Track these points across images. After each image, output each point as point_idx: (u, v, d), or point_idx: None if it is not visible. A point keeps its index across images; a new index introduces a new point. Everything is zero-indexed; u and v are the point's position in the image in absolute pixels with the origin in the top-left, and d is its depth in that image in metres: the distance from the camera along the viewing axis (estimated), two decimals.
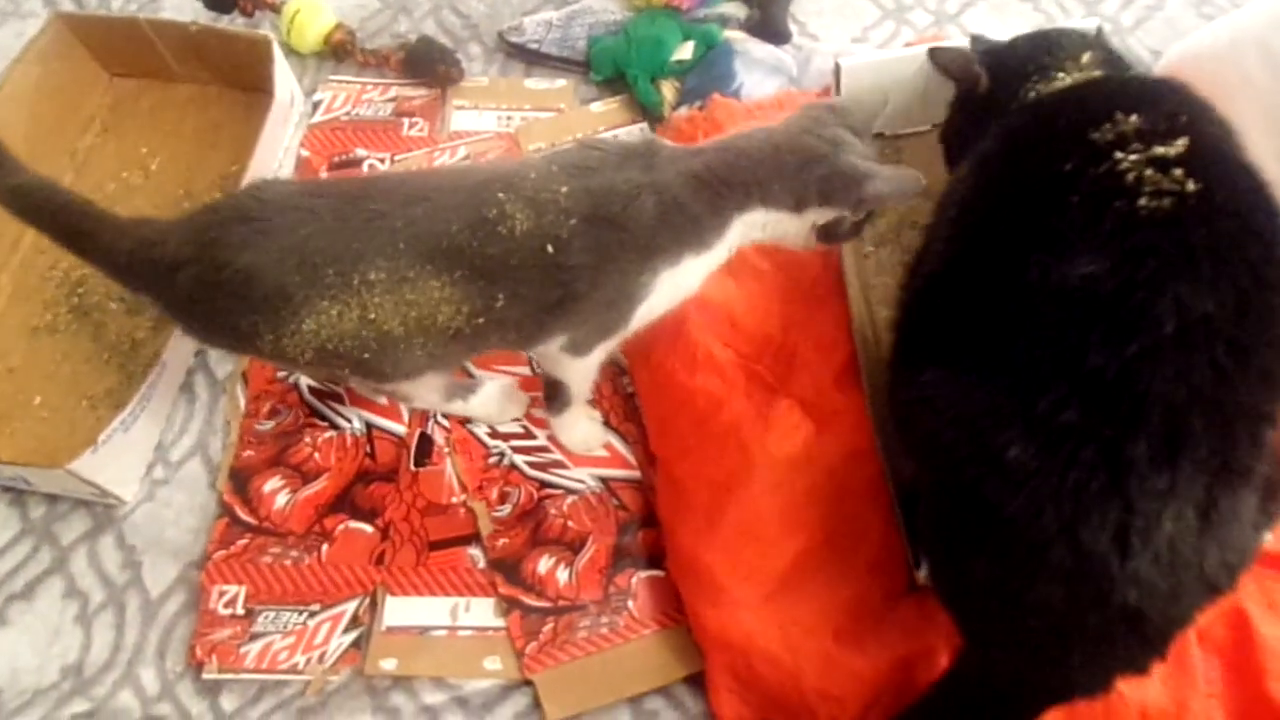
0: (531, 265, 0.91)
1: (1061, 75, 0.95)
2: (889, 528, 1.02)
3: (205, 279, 0.88)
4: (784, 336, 1.15)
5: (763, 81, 1.31)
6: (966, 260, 0.82)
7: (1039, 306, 0.74)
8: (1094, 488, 0.68)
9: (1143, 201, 0.72)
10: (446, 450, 1.19)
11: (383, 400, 1.21)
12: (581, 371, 1.08)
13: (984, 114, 0.98)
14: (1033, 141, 0.84)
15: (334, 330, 0.88)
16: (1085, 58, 0.97)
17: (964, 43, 1.33)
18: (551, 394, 1.13)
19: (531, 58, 1.47)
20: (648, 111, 1.40)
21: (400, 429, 1.20)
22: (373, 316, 0.88)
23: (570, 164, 0.94)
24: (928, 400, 0.76)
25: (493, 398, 1.18)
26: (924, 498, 0.85)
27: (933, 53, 1.10)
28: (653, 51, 1.36)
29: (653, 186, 0.93)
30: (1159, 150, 0.74)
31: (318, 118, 1.43)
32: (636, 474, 1.17)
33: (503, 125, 1.42)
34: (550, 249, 0.90)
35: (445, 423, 1.20)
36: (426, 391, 1.12)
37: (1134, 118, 0.78)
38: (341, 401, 1.22)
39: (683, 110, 1.30)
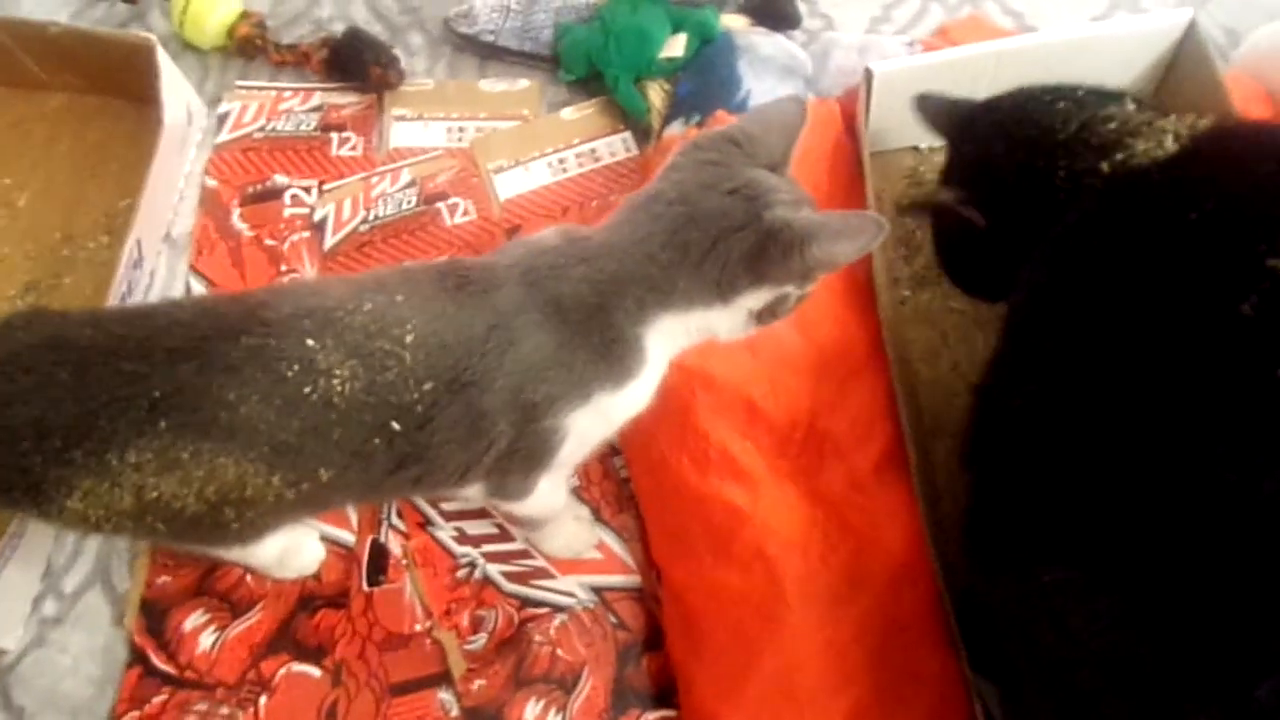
0: (368, 439, 0.69)
1: (1139, 144, 0.72)
2: (947, 662, 0.84)
3: None
4: (813, 420, 0.95)
5: (775, 87, 1.07)
6: (1093, 422, 0.61)
7: (1242, 525, 0.53)
8: None
9: None
10: (405, 562, 0.98)
11: None
12: (533, 509, 0.87)
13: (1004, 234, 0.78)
14: (1169, 265, 0.61)
15: (108, 511, 0.68)
16: (1131, 108, 0.76)
17: (1005, 22, 1.11)
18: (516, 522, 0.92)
19: (486, 52, 1.21)
20: (631, 119, 1.15)
21: (348, 537, 0.99)
22: (154, 495, 0.68)
23: (421, 296, 0.71)
24: (1057, 616, 0.57)
25: (279, 546, 0.91)
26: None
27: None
28: (636, 46, 1.11)
29: (529, 323, 0.72)
30: None
31: (225, 135, 1.17)
32: (636, 580, 0.97)
33: (454, 139, 1.17)
34: (396, 425, 0.69)
35: (402, 525, 0.99)
36: None
37: None
38: None
39: (676, 127, 1.06)
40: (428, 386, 0.70)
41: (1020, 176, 0.81)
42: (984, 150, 0.84)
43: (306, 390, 0.67)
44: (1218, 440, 0.53)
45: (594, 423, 0.78)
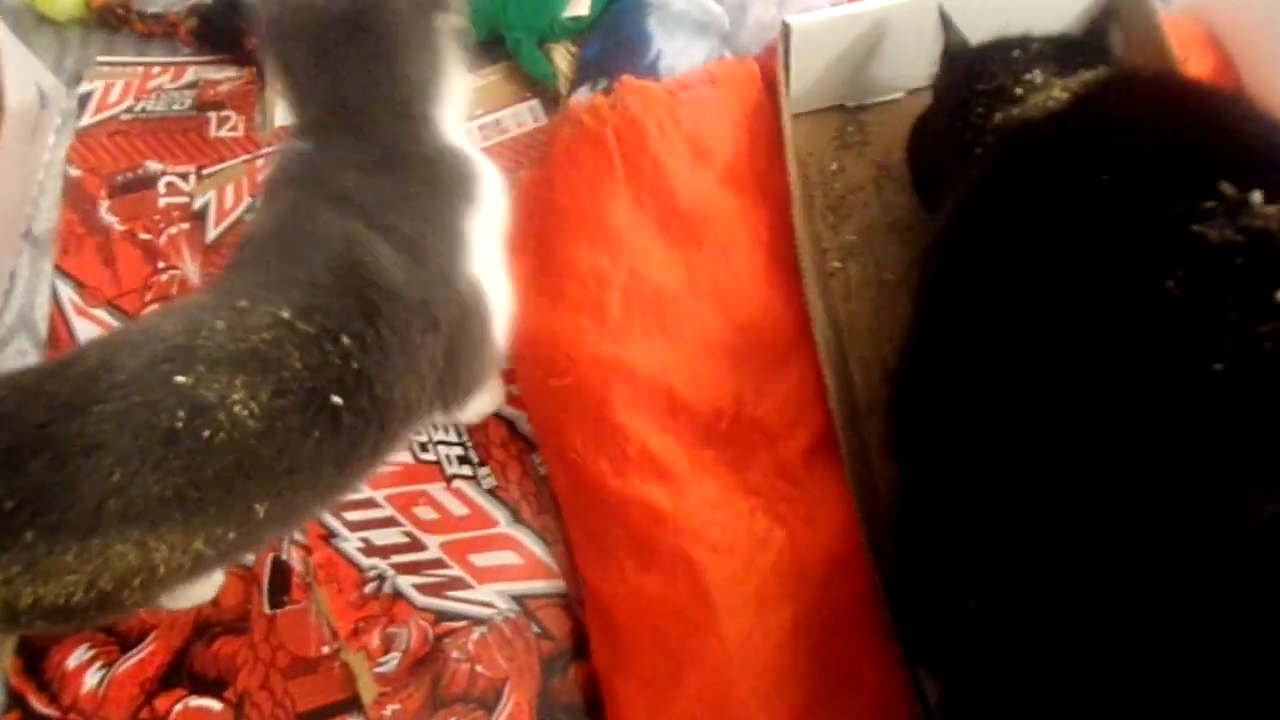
0: (305, 438, 0.63)
1: (1034, 96, 0.72)
2: (886, 658, 0.80)
3: None
4: (739, 407, 0.88)
5: (688, 47, 0.98)
6: (1014, 419, 0.55)
7: (1190, 545, 0.47)
8: None
9: None
10: (309, 580, 0.91)
11: None
12: (488, 403, 0.92)
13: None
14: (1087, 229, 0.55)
15: None
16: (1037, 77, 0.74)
17: None
18: None
19: None
20: (538, 86, 1.06)
21: (247, 557, 0.91)
22: (30, 602, 0.57)
23: (258, 282, 0.65)
24: (985, 645, 0.51)
25: None
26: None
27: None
28: (537, 6, 1.02)
29: (384, 225, 0.69)
30: None
31: (88, 119, 1.06)
32: (560, 585, 0.91)
33: None
34: (336, 398, 0.63)
35: (302, 538, 0.92)
36: None
37: (1256, 195, 0.51)
38: None
39: (583, 94, 0.98)
40: (345, 339, 0.64)
41: (945, 114, 0.82)
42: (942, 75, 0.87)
43: (207, 434, 0.59)
44: (1157, 448, 0.47)
45: (487, 256, 0.77)
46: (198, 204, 1.03)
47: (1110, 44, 0.79)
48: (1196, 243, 0.51)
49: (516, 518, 0.94)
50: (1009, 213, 0.63)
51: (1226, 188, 0.52)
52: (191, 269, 1.00)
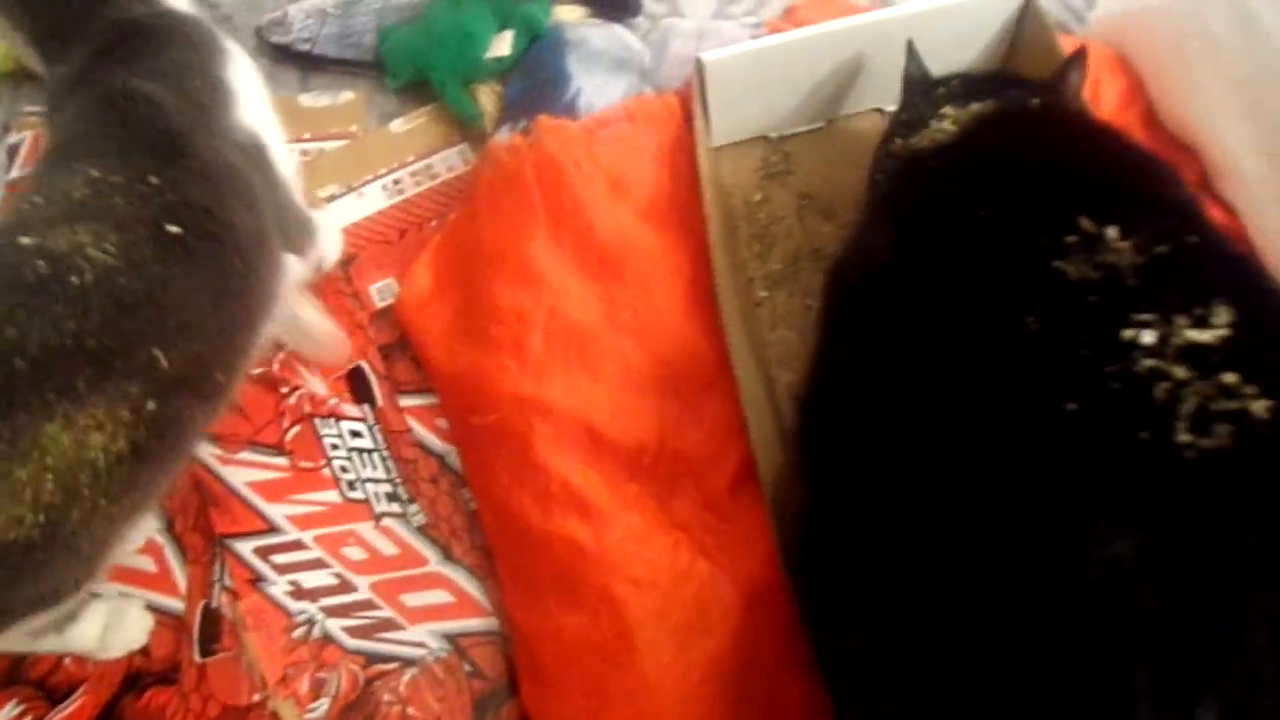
0: (162, 288, 0.65)
1: (933, 124, 0.74)
2: (812, 689, 0.80)
3: None
4: (662, 441, 0.89)
5: (607, 83, 1.00)
6: (900, 454, 0.56)
7: (1040, 594, 0.46)
8: None
9: (1184, 438, 0.44)
10: (238, 626, 0.91)
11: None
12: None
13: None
14: (968, 268, 0.56)
15: None
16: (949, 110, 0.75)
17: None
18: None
19: (305, 62, 1.11)
20: (466, 126, 1.07)
21: (177, 605, 0.92)
22: None
23: (73, 156, 0.69)
24: (870, 686, 0.52)
25: (100, 622, 0.85)
26: None
27: None
28: (461, 47, 1.03)
29: (156, 78, 0.73)
30: (1190, 335, 0.46)
31: (17, 171, 1.06)
32: (493, 622, 0.91)
33: None
34: (176, 265, 0.66)
35: (231, 583, 0.92)
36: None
37: (1112, 231, 0.52)
38: None
39: (504, 133, 0.99)
40: (153, 178, 0.67)
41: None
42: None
43: (75, 278, 0.61)
44: (1021, 485, 0.48)
45: (256, 107, 0.80)
46: None
47: (1068, 90, 0.78)
48: (1056, 278, 0.52)
49: (447, 556, 0.94)
50: (895, 241, 0.64)
51: (1086, 222, 0.53)
52: None
